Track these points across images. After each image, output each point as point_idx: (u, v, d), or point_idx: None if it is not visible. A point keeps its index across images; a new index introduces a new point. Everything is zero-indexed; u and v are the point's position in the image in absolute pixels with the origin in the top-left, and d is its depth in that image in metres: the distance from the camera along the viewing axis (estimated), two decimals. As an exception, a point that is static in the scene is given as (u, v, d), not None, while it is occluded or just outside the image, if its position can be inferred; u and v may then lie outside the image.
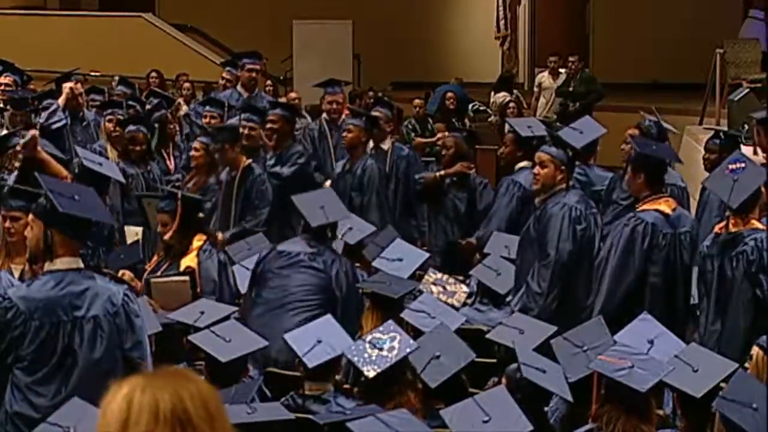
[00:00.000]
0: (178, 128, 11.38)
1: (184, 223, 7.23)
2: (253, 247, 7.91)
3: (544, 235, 7.51)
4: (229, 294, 7.22)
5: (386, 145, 10.17)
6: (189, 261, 7.19)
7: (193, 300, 6.80)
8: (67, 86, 10.82)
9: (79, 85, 11.27)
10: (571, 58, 17.95)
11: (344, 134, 9.85)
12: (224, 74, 12.98)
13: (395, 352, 5.41)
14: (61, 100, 10.45)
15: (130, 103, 11.65)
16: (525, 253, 7.67)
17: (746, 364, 5.70)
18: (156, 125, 10.61)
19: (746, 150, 9.65)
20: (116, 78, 15.95)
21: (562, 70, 18.13)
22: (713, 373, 5.23)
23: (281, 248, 7.23)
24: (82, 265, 4.96)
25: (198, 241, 7.26)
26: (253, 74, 11.84)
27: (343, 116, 10.66)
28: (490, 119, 16.71)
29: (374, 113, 10.23)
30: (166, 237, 7.28)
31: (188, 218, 7.26)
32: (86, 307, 4.89)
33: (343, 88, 11.21)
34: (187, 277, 6.98)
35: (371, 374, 5.29)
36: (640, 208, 7.32)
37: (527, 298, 7.50)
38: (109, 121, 10.42)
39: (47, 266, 4.93)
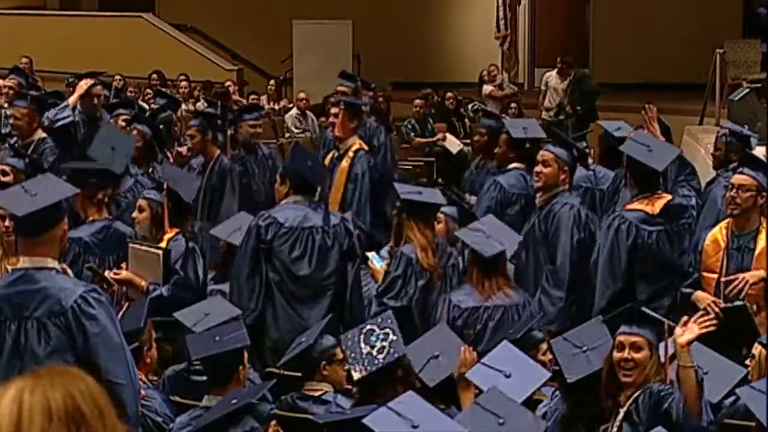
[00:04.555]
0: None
1: (163, 214, 7.28)
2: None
3: (554, 237, 7.47)
4: (194, 279, 7.20)
5: None
6: None
7: (165, 277, 6.90)
8: (82, 84, 10.36)
9: (99, 87, 10.73)
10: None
11: None
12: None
13: (384, 354, 5.35)
14: (72, 99, 10.12)
15: (140, 103, 11.64)
16: (528, 253, 7.64)
17: (747, 362, 5.72)
18: (161, 125, 10.57)
19: (758, 151, 9.54)
20: (118, 78, 16.02)
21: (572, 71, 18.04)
22: (725, 378, 5.24)
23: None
24: (50, 265, 4.79)
25: (170, 232, 7.28)
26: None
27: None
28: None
29: None
30: (139, 225, 7.33)
31: (172, 211, 7.30)
32: (33, 308, 4.75)
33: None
34: (160, 251, 7.00)
35: (356, 376, 5.26)
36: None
37: (546, 302, 7.43)
38: (116, 121, 10.40)
39: (18, 264, 4.87)
